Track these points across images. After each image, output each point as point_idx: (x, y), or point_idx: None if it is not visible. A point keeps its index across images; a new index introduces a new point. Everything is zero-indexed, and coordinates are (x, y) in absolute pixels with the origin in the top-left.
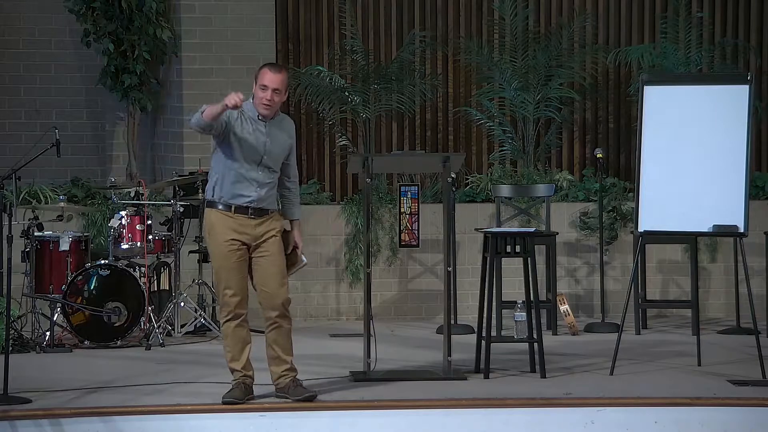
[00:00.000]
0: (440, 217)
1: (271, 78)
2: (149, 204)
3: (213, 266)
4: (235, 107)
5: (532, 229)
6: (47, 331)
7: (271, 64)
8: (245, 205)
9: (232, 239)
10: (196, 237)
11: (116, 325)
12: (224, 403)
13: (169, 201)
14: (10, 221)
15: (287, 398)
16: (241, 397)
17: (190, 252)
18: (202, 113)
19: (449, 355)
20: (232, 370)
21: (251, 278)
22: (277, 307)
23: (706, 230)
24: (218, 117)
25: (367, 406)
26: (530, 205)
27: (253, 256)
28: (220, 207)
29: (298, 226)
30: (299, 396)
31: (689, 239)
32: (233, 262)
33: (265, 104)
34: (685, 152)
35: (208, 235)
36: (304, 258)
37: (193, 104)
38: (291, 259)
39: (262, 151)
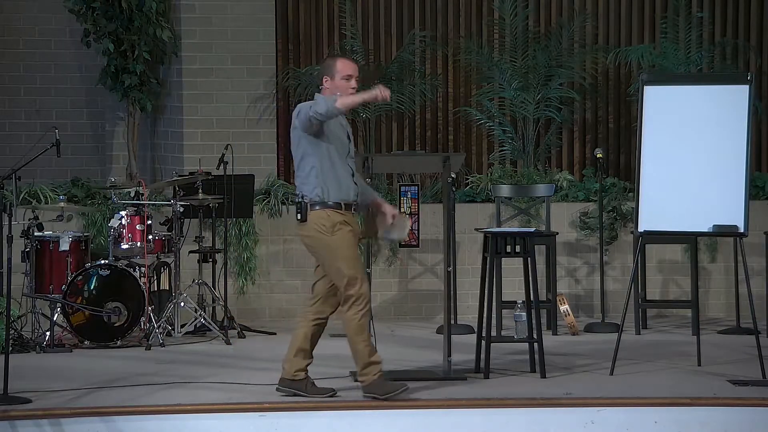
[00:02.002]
0: (440, 217)
1: (353, 67)
2: (149, 204)
3: (344, 260)
4: (384, 101)
5: (532, 229)
6: (47, 331)
7: (341, 55)
8: (351, 201)
9: (352, 232)
10: (196, 237)
11: (116, 325)
12: (390, 399)
13: (169, 201)
14: (10, 221)
15: (301, 394)
16: (405, 385)
17: (190, 252)
18: (334, 103)
19: (449, 355)
20: (373, 363)
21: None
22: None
23: (706, 230)
24: (352, 106)
25: (367, 406)
26: (530, 205)
27: None
28: (331, 204)
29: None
30: (318, 394)
31: (689, 239)
32: (358, 254)
33: (351, 93)
34: (685, 152)
35: (329, 234)
36: (399, 232)
37: (193, 104)
38: (386, 231)
39: (347, 142)
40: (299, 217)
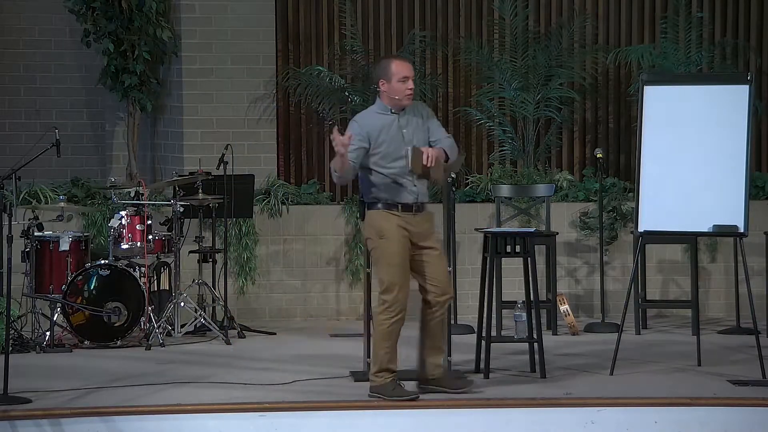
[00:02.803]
0: (440, 217)
1: (409, 68)
2: (149, 204)
3: (386, 266)
4: (344, 147)
5: (532, 229)
6: (47, 331)
7: (395, 57)
8: (409, 202)
9: (403, 237)
10: (196, 237)
11: (116, 325)
12: (395, 400)
13: (169, 201)
14: (10, 221)
15: (443, 390)
16: (417, 393)
17: (190, 252)
18: (335, 172)
19: (449, 355)
20: (387, 370)
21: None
22: (444, 301)
23: (706, 230)
24: (345, 163)
25: (367, 406)
26: (530, 205)
27: (417, 252)
28: (386, 207)
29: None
30: (459, 388)
31: (689, 239)
32: (405, 260)
33: (409, 94)
34: (685, 152)
35: (377, 237)
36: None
37: (193, 104)
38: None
39: (403, 143)
40: (359, 216)
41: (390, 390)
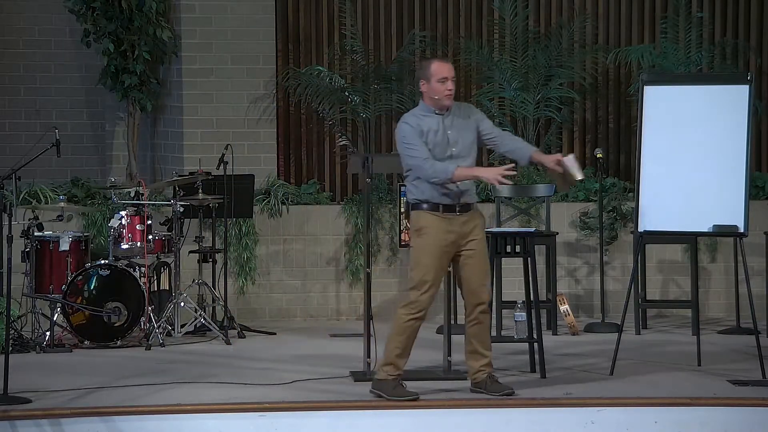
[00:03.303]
0: None
1: (449, 69)
2: (149, 204)
3: (418, 264)
4: (500, 183)
5: (532, 229)
6: (47, 331)
7: (436, 58)
8: (452, 203)
9: (443, 238)
10: (196, 237)
11: (116, 325)
12: (404, 400)
13: (169, 201)
14: (10, 221)
15: (483, 393)
16: (416, 394)
17: (190, 252)
18: (450, 176)
19: (449, 355)
20: (392, 364)
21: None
22: (482, 304)
23: (706, 230)
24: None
25: (367, 406)
26: (530, 205)
27: (457, 254)
28: (428, 207)
29: (541, 153)
30: (498, 391)
31: (689, 239)
32: (444, 262)
33: (448, 94)
34: (685, 152)
35: (417, 236)
36: (576, 173)
37: (193, 104)
38: (567, 178)
39: (447, 144)
40: (405, 215)
41: (390, 389)
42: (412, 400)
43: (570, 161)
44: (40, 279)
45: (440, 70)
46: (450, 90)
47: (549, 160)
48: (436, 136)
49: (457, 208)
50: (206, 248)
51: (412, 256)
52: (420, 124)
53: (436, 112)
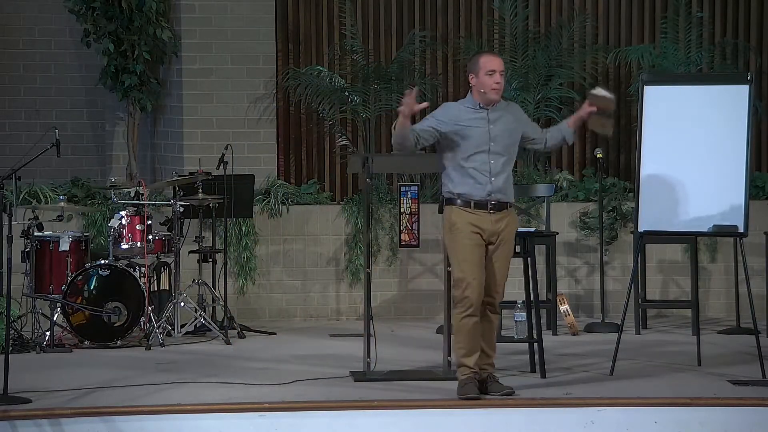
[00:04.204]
0: (440, 217)
1: (498, 62)
2: (149, 204)
3: (453, 262)
4: (407, 107)
5: (532, 229)
6: (47, 331)
7: (485, 51)
8: (484, 199)
9: (474, 233)
10: (196, 237)
11: (116, 325)
12: (464, 398)
13: (169, 201)
14: (10, 221)
15: (483, 392)
16: (477, 393)
17: (190, 252)
18: (394, 136)
19: (449, 355)
20: (462, 365)
21: None
22: (493, 304)
23: (706, 230)
24: (406, 126)
25: (367, 406)
26: (530, 205)
27: (487, 251)
28: (460, 203)
29: (571, 117)
30: (498, 392)
31: (689, 239)
32: (478, 257)
33: (495, 88)
34: (685, 152)
35: (449, 233)
36: (606, 93)
37: (193, 104)
38: (605, 109)
39: (488, 138)
40: (439, 210)
41: (460, 387)
42: (470, 399)
43: (595, 93)
44: (40, 279)
45: (489, 62)
46: (498, 83)
47: (581, 112)
48: (476, 128)
49: (489, 206)
50: (206, 248)
51: (448, 252)
52: (458, 116)
53: (482, 106)
